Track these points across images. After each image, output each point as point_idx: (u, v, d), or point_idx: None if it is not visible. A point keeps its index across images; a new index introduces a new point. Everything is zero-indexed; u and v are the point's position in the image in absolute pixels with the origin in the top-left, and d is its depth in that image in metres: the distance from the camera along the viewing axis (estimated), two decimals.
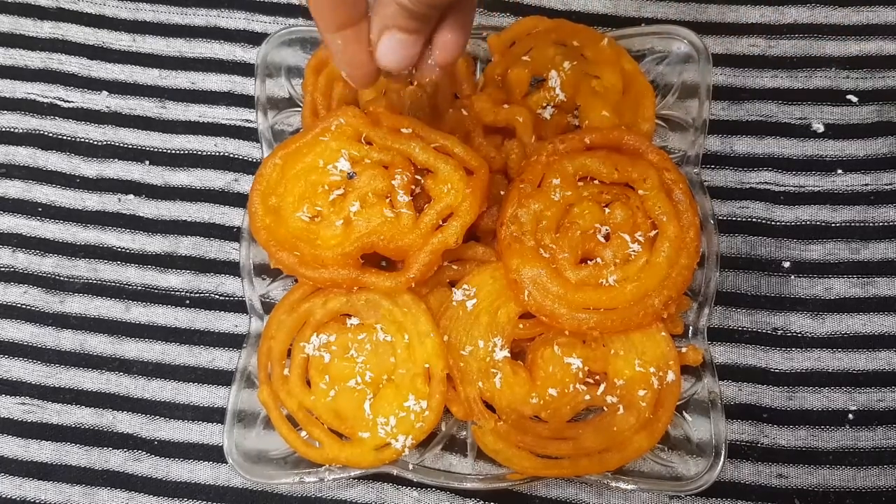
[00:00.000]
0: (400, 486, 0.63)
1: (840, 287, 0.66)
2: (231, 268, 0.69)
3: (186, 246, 0.69)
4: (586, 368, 0.58)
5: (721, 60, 0.71)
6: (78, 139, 0.72)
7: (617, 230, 0.58)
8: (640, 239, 0.57)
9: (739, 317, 0.66)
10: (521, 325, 0.59)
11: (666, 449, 0.61)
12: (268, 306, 0.63)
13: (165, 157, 0.71)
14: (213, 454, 0.65)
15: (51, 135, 0.72)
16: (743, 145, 0.70)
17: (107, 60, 0.74)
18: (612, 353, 0.58)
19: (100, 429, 0.66)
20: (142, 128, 0.72)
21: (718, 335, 0.66)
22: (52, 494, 0.64)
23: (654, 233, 0.58)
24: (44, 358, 0.67)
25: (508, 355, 0.59)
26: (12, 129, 0.72)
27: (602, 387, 0.58)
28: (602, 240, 0.58)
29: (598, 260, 0.58)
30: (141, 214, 0.70)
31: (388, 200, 0.58)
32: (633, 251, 0.57)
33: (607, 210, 0.58)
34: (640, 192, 0.58)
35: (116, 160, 0.71)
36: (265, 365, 0.59)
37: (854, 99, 0.70)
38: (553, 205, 0.58)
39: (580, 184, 0.59)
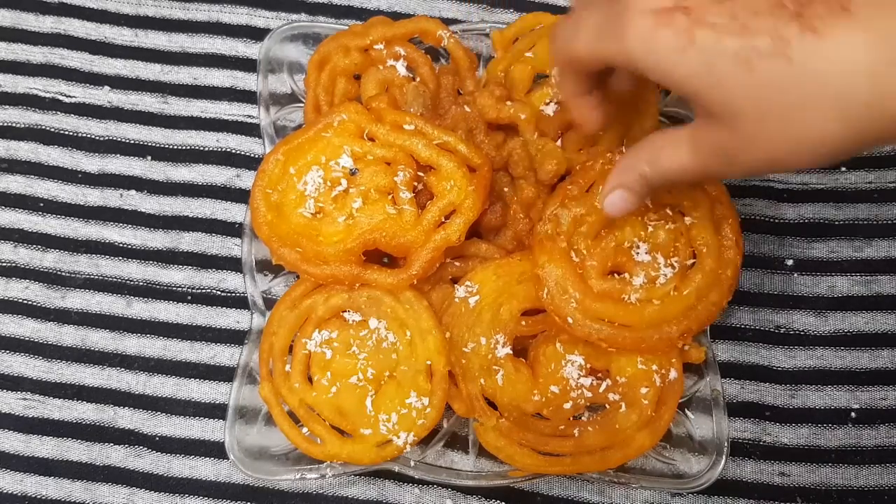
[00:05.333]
0: (401, 483, 0.63)
1: (843, 285, 0.66)
2: (233, 264, 0.69)
3: (188, 242, 0.69)
4: (588, 366, 0.58)
5: None
6: (80, 134, 0.72)
7: (654, 251, 0.57)
8: (675, 265, 0.56)
9: (742, 314, 0.66)
10: (523, 322, 0.59)
11: (668, 447, 0.61)
12: (269, 302, 0.63)
13: (167, 153, 0.71)
14: (215, 450, 0.65)
15: (52, 130, 0.72)
16: None
17: (109, 55, 0.74)
18: (615, 350, 0.58)
19: (101, 424, 0.65)
20: (144, 123, 0.72)
21: (721, 333, 0.66)
22: (52, 490, 0.64)
23: (691, 262, 0.57)
24: (45, 353, 0.67)
25: (510, 352, 0.59)
26: (14, 124, 0.72)
27: (604, 384, 0.58)
28: (636, 257, 0.57)
29: (626, 275, 0.57)
30: (142, 210, 0.70)
31: (390, 197, 0.58)
32: (664, 275, 0.56)
33: (651, 228, 0.57)
34: (688, 219, 0.57)
35: (118, 155, 0.71)
36: (267, 361, 0.59)
37: None
38: (596, 212, 0.57)
39: None
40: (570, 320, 0.55)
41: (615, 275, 0.57)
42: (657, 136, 0.47)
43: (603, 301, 0.56)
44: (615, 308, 0.56)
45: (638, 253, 0.57)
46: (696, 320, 0.56)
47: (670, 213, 0.58)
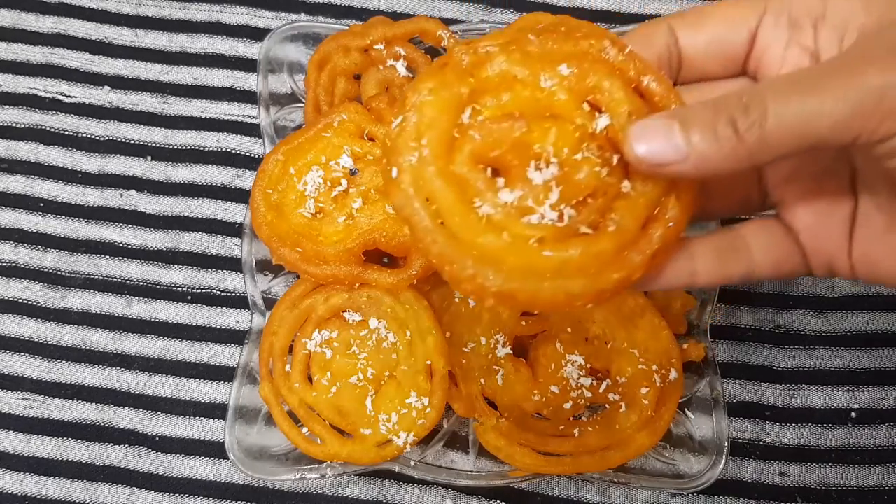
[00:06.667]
0: (401, 483, 0.63)
1: (843, 285, 0.66)
2: (233, 264, 0.69)
3: (188, 242, 0.69)
4: (588, 366, 0.58)
5: None
6: (80, 134, 0.72)
7: (561, 182, 0.35)
8: (566, 216, 0.35)
9: (742, 314, 0.66)
10: (523, 322, 0.59)
11: (668, 447, 0.61)
12: (269, 302, 0.63)
13: (167, 153, 0.71)
14: (215, 450, 0.65)
15: (52, 130, 0.72)
16: None
17: (109, 55, 0.74)
18: (615, 350, 0.58)
19: (101, 424, 0.65)
20: (144, 123, 0.72)
21: (721, 333, 0.65)
22: (52, 490, 0.64)
23: (584, 231, 0.36)
24: (45, 353, 0.67)
25: (510, 352, 0.59)
26: (14, 124, 0.72)
27: (604, 384, 0.58)
28: (529, 171, 0.35)
29: (500, 181, 0.36)
30: (142, 210, 0.70)
31: None
32: (542, 215, 0.35)
33: (581, 155, 0.36)
34: (626, 185, 0.37)
35: (118, 155, 0.71)
36: (267, 361, 0.59)
37: None
38: (536, 87, 0.37)
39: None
40: (397, 177, 0.36)
41: (487, 170, 0.36)
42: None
43: (450, 186, 0.35)
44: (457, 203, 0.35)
45: (540, 167, 0.35)
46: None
47: (615, 160, 0.36)
